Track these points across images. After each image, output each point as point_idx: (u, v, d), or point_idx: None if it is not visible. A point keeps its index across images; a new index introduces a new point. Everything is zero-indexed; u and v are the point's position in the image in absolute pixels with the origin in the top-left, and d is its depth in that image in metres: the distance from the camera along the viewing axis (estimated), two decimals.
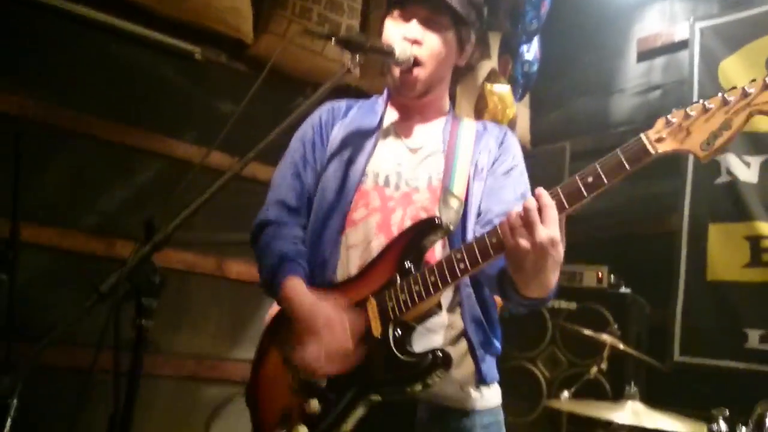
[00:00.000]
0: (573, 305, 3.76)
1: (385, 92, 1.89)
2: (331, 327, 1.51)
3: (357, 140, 1.77)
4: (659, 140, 1.32)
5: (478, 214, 1.69)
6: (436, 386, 1.47)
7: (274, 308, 1.72)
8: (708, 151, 1.29)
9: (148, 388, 2.37)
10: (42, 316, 2.63)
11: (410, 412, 1.58)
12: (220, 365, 3.30)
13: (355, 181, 1.71)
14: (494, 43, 4.15)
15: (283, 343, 1.63)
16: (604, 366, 3.18)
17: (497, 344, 1.68)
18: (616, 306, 3.65)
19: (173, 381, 3.17)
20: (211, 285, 3.33)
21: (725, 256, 3.69)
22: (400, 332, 1.49)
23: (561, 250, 1.35)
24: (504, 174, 1.73)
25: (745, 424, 2.46)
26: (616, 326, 3.37)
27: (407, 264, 1.53)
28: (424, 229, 1.56)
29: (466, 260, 1.43)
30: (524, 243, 1.32)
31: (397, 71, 1.73)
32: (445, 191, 1.65)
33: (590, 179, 1.34)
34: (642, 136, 1.33)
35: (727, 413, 2.45)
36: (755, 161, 3.67)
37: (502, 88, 4.04)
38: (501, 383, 1.72)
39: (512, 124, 4.14)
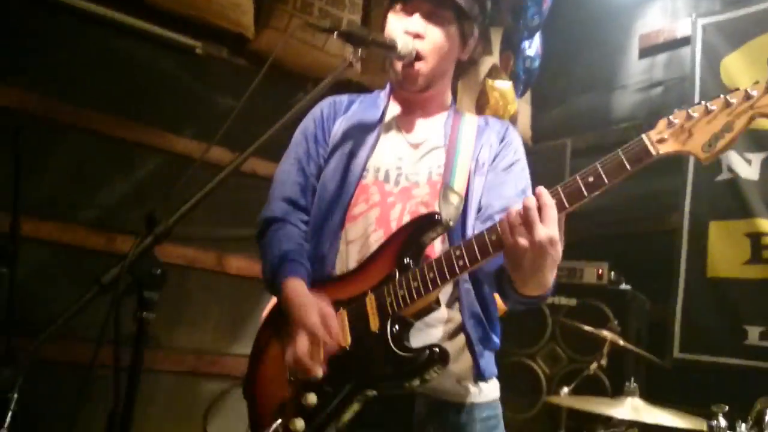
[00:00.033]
0: (573, 301, 3.76)
1: (388, 86, 1.89)
2: (328, 328, 1.51)
3: (358, 135, 1.77)
4: (661, 141, 1.32)
5: (479, 210, 1.69)
6: (434, 381, 1.47)
7: (272, 302, 1.73)
8: (709, 153, 1.29)
9: (148, 383, 2.37)
10: (42, 310, 2.63)
11: (408, 406, 1.58)
12: (220, 360, 3.30)
13: (356, 176, 1.71)
14: (496, 38, 4.14)
15: (281, 336, 1.64)
16: (604, 362, 3.18)
17: (496, 340, 1.68)
18: (616, 302, 3.65)
19: (173, 376, 3.17)
20: (211, 280, 3.33)
21: (726, 253, 3.69)
22: (397, 328, 1.49)
23: (559, 249, 1.35)
24: (505, 169, 1.73)
25: (745, 420, 2.46)
26: (616, 323, 3.38)
27: (406, 260, 1.53)
28: (424, 225, 1.56)
29: (465, 257, 1.43)
30: (523, 242, 1.33)
31: (399, 65, 1.72)
32: (446, 187, 1.64)
33: (591, 179, 1.34)
34: (643, 136, 1.33)
35: (727, 409, 2.45)
36: (756, 158, 3.67)
37: (504, 84, 4.03)
38: (501, 379, 1.72)
39: (513, 121, 4.13)
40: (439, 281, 1.45)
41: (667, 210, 4.02)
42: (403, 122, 1.80)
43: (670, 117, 1.32)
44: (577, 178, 1.35)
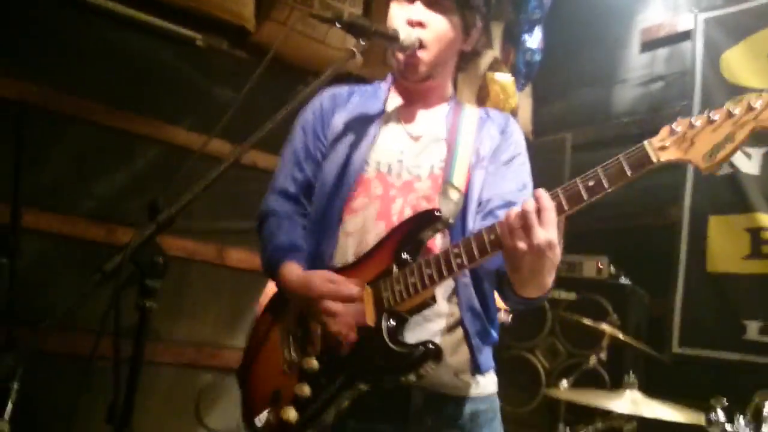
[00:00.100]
0: (572, 295, 3.76)
1: (389, 77, 1.88)
2: (333, 282, 1.53)
3: (359, 127, 1.77)
4: (662, 148, 1.32)
5: (479, 204, 1.69)
6: (431, 374, 1.48)
7: (268, 289, 1.74)
8: (710, 163, 1.29)
9: (147, 375, 2.37)
10: (42, 301, 2.64)
11: (405, 398, 1.58)
12: (220, 353, 3.31)
13: (356, 169, 1.71)
14: (496, 31, 4.13)
15: (277, 326, 1.64)
16: (603, 356, 3.19)
17: (494, 334, 1.69)
18: (615, 296, 3.65)
19: (173, 368, 3.18)
20: (211, 273, 3.33)
21: (725, 247, 3.69)
22: (393, 322, 1.49)
23: (558, 252, 1.35)
24: (506, 163, 1.73)
25: (743, 413, 2.46)
26: (615, 317, 3.38)
27: (404, 255, 1.53)
28: (424, 221, 1.56)
29: (464, 256, 1.43)
30: (521, 245, 1.33)
31: (401, 54, 1.72)
32: (446, 183, 1.64)
33: (591, 183, 1.34)
34: (645, 143, 1.33)
35: (725, 403, 2.46)
36: (756, 153, 3.67)
37: (505, 78, 4.02)
38: (500, 373, 1.73)
39: (514, 114, 4.13)
40: (436, 278, 1.46)
41: (666, 204, 4.01)
42: (404, 114, 1.80)
43: (673, 125, 1.32)
44: (578, 181, 1.35)
